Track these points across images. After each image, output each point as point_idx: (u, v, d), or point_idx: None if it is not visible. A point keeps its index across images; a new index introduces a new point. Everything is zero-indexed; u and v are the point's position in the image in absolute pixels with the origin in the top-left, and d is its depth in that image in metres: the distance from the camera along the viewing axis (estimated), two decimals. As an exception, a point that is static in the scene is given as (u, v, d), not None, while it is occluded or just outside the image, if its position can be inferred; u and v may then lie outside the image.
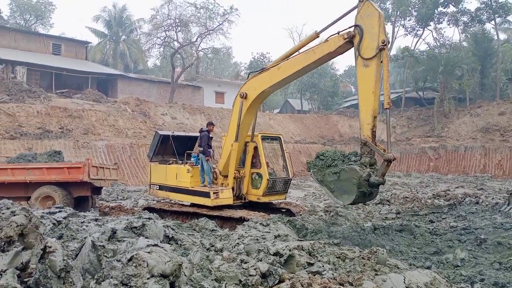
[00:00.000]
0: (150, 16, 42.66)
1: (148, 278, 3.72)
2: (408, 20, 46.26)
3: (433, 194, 16.67)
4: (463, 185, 21.90)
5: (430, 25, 45.81)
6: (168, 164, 11.41)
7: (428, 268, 6.03)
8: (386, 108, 7.43)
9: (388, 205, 14.11)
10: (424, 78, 43.80)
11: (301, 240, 6.85)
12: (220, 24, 41.84)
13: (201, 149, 10.46)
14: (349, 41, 7.70)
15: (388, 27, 48.02)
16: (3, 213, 5.89)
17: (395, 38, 47.44)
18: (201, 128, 11.02)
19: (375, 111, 7.38)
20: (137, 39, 51.19)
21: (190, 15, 41.28)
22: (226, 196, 10.12)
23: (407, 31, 47.03)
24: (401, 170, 34.88)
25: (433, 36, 47.48)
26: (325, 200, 15.55)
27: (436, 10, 43.61)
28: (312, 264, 5.39)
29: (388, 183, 22.62)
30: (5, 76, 31.50)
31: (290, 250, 5.49)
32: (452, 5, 43.12)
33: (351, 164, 7.34)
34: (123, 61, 50.03)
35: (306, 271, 5.23)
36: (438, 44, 47.42)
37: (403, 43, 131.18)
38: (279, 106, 60.00)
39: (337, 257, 5.62)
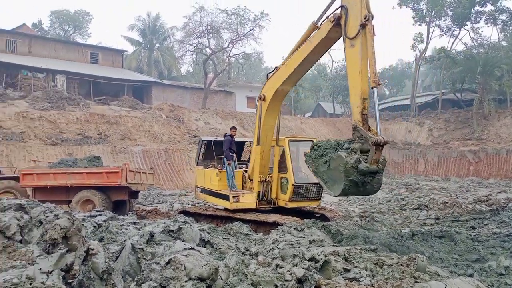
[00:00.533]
0: (183, 24, 43.74)
1: (186, 281, 3.77)
2: (444, 20, 44.98)
3: (474, 199, 16.05)
4: (506, 189, 20.98)
5: (467, 25, 44.36)
6: (207, 168, 11.65)
7: (471, 276, 5.80)
8: (373, 87, 6.86)
9: (427, 210, 13.71)
10: (461, 79, 42.38)
11: (336, 246, 6.75)
12: (251, 30, 42.24)
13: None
14: (337, 24, 7.38)
15: (423, 28, 46.92)
16: (47, 216, 6.15)
17: (430, 39, 46.25)
18: (225, 133, 11.20)
19: (364, 93, 6.91)
20: (171, 46, 52.35)
21: (221, 21, 41.91)
22: (247, 200, 10.10)
23: (442, 31, 45.74)
24: (439, 174, 33.83)
25: (470, 36, 45.96)
26: (360, 205, 15.30)
27: (472, 9, 42.17)
28: (348, 270, 5.30)
29: (426, 188, 21.98)
30: (46, 84, 32.98)
31: (325, 256, 5.42)
32: (490, 3, 41.56)
33: (341, 151, 6.84)
34: (157, 68, 51.24)
35: (343, 277, 5.15)
36: (476, 44, 45.82)
37: (438, 43, 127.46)
38: (311, 110, 59.65)
39: (375, 264, 5.50)
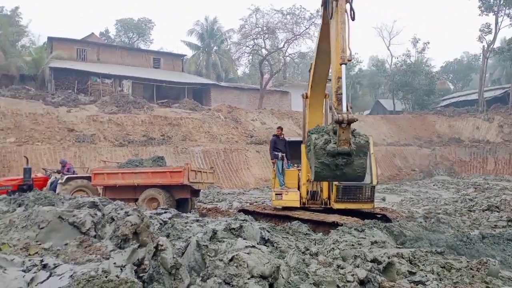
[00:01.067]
0: (239, 26, 44.24)
1: (248, 279, 3.87)
2: (514, 8, 41.84)
3: (552, 201, 14.77)
4: None
5: (541, 12, 40.90)
6: None
7: (550, 283, 5.38)
8: (341, 64, 6.25)
9: (498, 211, 12.84)
10: (536, 70, 39.18)
11: (400, 248, 6.56)
12: (306, 29, 41.84)
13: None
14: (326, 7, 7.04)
15: (490, 18, 43.92)
16: (118, 213, 6.54)
17: (499, 29, 43.17)
18: (273, 134, 11.39)
19: (337, 71, 6.36)
20: (227, 49, 53.31)
21: (277, 22, 41.94)
22: (290, 199, 10.16)
23: (512, 20, 42.55)
24: (511, 173, 31.51)
25: (544, 24, 42.29)
26: (424, 205, 14.68)
27: (548, -5, 38.82)
28: (414, 273, 5.14)
29: (496, 188, 20.59)
30: (113, 89, 35.03)
31: (389, 258, 5.29)
32: None
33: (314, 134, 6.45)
34: (215, 71, 52.44)
35: (408, 280, 5.01)
36: (553, 32, 42.05)
37: (508, 34, 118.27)
38: (369, 107, 58.00)
39: (442, 267, 5.28)
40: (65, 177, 14.10)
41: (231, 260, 4.06)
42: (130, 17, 56.76)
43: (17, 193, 11.53)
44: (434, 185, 25.28)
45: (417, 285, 4.81)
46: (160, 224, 6.60)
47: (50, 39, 38.79)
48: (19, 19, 47.84)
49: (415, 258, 5.56)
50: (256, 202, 15.75)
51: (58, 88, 33.53)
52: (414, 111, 48.70)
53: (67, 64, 35.11)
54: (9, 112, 25.71)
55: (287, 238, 7.09)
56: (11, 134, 24.22)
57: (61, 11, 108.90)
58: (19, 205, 7.93)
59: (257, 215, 11.22)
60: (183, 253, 4.69)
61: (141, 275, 3.94)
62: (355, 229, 7.45)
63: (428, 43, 53.26)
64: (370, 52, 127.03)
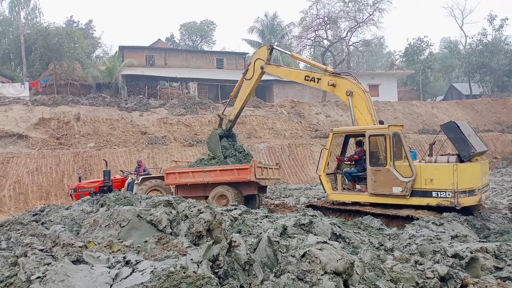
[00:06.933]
0: (300, 19, 43.84)
1: (322, 275, 3.82)
2: None
3: None
4: None
5: None
6: None
7: None
8: None
9: None
10: None
11: (483, 242, 6.13)
12: (370, 15, 40.45)
13: None
14: None
15: None
16: (191, 211, 6.80)
17: None
18: None
19: None
20: (288, 43, 53.03)
21: (338, 11, 41.00)
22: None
23: None
24: None
25: None
26: (508, 195, 13.56)
27: None
28: (500, 269, 4.78)
29: None
30: (180, 92, 36.42)
31: (472, 252, 4.96)
32: None
33: None
34: (277, 66, 52.43)
35: (494, 276, 4.67)
36: None
37: None
38: (442, 93, 54.60)
39: (533, 262, 4.85)
40: (141, 177, 14.93)
41: (303, 256, 4.04)
42: (193, 20, 58.73)
43: (98, 194, 12.46)
44: (519, 173, 23.26)
45: (504, 281, 4.48)
46: (231, 220, 6.74)
47: (121, 48, 41.21)
48: (92, 31, 51.52)
49: (501, 252, 5.18)
50: (323, 197, 15.52)
51: (130, 94, 35.56)
52: (494, 94, 45.08)
53: (137, 71, 37.11)
54: (88, 119, 27.76)
55: (359, 233, 6.90)
56: (91, 139, 26.15)
57: (130, 20, 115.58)
58: (102, 205, 8.54)
59: (325, 210, 11.06)
60: (255, 249, 4.75)
61: (216, 270, 4.05)
62: (432, 223, 7.09)
63: (507, 19, 49.13)
64: (440, 33, 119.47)
